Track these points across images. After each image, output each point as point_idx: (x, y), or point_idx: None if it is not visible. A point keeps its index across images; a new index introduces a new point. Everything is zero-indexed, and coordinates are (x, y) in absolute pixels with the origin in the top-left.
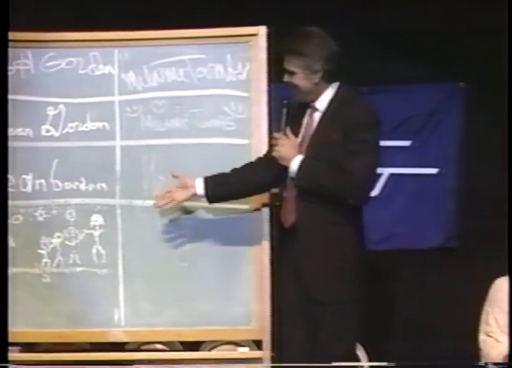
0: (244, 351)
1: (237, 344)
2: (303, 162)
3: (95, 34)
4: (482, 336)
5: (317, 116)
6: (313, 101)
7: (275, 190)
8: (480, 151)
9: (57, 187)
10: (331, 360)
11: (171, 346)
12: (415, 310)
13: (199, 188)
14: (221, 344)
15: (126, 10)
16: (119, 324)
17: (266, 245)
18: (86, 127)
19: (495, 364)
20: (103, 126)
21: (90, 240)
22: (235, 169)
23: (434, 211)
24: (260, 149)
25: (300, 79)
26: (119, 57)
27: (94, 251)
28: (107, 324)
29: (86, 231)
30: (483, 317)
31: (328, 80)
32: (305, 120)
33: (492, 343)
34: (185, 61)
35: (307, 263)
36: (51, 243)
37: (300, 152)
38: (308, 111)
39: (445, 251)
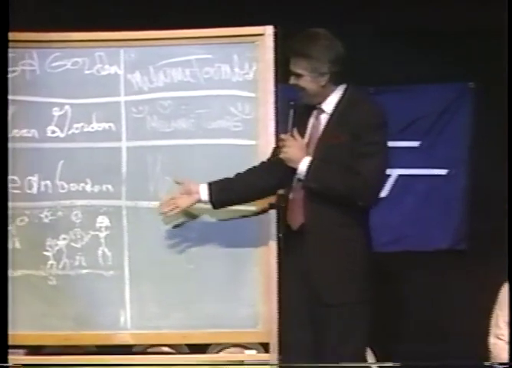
0: (251, 354)
1: (244, 347)
2: (311, 164)
3: (100, 34)
4: (492, 339)
5: (324, 117)
6: (320, 103)
7: (281, 191)
8: (490, 152)
9: (63, 188)
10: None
11: (177, 348)
12: (424, 313)
13: (203, 193)
14: (228, 347)
15: (127, 10)
16: (126, 327)
17: (273, 247)
18: (92, 128)
19: (501, 364)
20: (109, 126)
21: (95, 242)
22: (239, 173)
23: (443, 212)
24: (268, 149)
25: (307, 81)
26: (125, 57)
27: (100, 252)
28: (113, 327)
29: (92, 233)
30: (493, 320)
31: (335, 82)
32: (311, 122)
33: (502, 346)
34: (192, 61)
35: (316, 265)
36: (57, 245)
37: (307, 153)
38: (314, 113)
39: (454, 253)
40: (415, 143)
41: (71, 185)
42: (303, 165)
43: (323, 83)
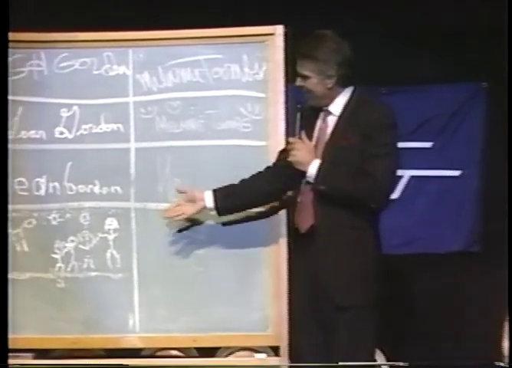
0: (260, 357)
1: (254, 350)
2: (321, 166)
3: (109, 34)
4: (506, 343)
5: (331, 120)
6: (327, 105)
7: (289, 193)
8: (504, 152)
9: (71, 190)
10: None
11: (186, 352)
12: (437, 316)
13: (208, 200)
14: (238, 350)
15: (136, 9)
16: (134, 330)
17: (283, 249)
18: (101, 129)
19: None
20: (118, 127)
21: (104, 244)
22: (244, 179)
23: (456, 214)
24: (278, 150)
25: (314, 83)
26: (134, 57)
27: (109, 255)
28: (122, 330)
29: (101, 235)
30: (506, 324)
31: (342, 84)
32: (318, 124)
33: None
34: (201, 61)
35: (326, 267)
36: (65, 247)
37: (315, 156)
38: (321, 115)
39: (468, 255)
40: (427, 144)
41: (79, 186)
42: (312, 168)
43: (330, 85)
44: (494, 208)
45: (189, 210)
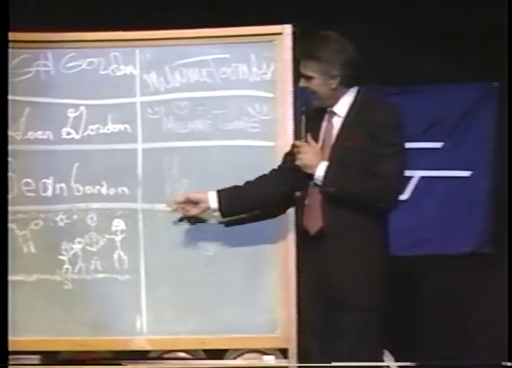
0: (269, 360)
1: (263, 353)
2: (328, 168)
3: (116, 34)
4: None
5: (337, 121)
6: (331, 106)
7: (297, 193)
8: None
9: (78, 191)
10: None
11: (194, 354)
12: (447, 318)
13: (212, 201)
14: (246, 352)
15: (131, 9)
16: (142, 332)
17: (291, 250)
18: (108, 130)
19: None
20: (125, 128)
21: (111, 245)
22: (249, 181)
23: (466, 215)
24: (286, 151)
25: (318, 84)
26: (141, 57)
27: (116, 256)
28: (129, 332)
29: (108, 237)
30: None
31: (346, 84)
32: (324, 126)
33: None
34: (208, 61)
35: (337, 269)
36: (72, 249)
37: (322, 158)
38: (326, 116)
39: (479, 256)
40: (437, 144)
41: (87, 187)
42: (320, 171)
43: (334, 85)
44: (505, 208)
45: (193, 211)
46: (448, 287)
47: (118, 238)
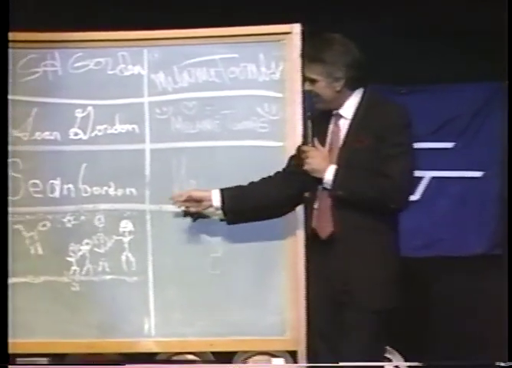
0: (278, 362)
1: (272, 355)
2: (337, 172)
3: (124, 34)
4: None
5: (344, 123)
6: (337, 109)
7: (306, 194)
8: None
9: (86, 192)
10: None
11: (203, 356)
12: (459, 319)
13: (215, 200)
14: (255, 355)
15: (131, 9)
16: (150, 334)
17: (300, 252)
18: (115, 130)
19: None
20: (133, 128)
21: (119, 247)
22: (253, 182)
23: (478, 216)
24: (292, 154)
25: (322, 87)
26: (149, 57)
27: (124, 258)
28: (137, 334)
29: (116, 238)
30: None
31: (351, 86)
32: (330, 128)
33: None
34: (217, 61)
35: (349, 272)
36: (80, 250)
37: (330, 162)
38: (333, 119)
39: (490, 258)
40: (449, 144)
41: (94, 188)
42: (329, 175)
43: (339, 88)
44: (505, 209)
45: (195, 209)
46: (459, 289)
47: (126, 240)
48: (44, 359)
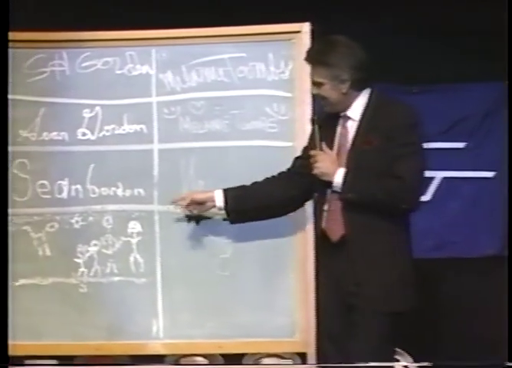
0: (287, 364)
1: (281, 357)
2: (346, 175)
3: (131, 33)
4: None
5: (352, 125)
6: (344, 111)
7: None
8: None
9: (94, 193)
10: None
11: (211, 358)
12: (471, 321)
13: (219, 200)
14: (264, 357)
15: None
16: (158, 336)
17: (310, 253)
18: (123, 130)
19: None
20: (141, 128)
21: (127, 248)
22: (256, 182)
23: (490, 217)
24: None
25: (328, 90)
26: (157, 56)
27: (132, 259)
28: (145, 336)
29: (124, 239)
30: None
31: (358, 88)
32: (338, 131)
33: None
34: (225, 60)
35: (361, 274)
36: (88, 251)
37: (339, 164)
38: (340, 121)
39: (502, 259)
40: (460, 144)
41: (102, 189)
42: (338, 178)
43: (345, 90)
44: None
45: (198, 211)
46: (470, 290)
47: (134, 241)
48: (54, 361)
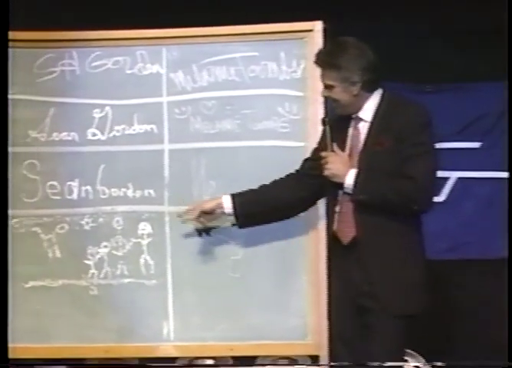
0: (300, 367)
1: (293, 360)
2: (358, 176)
3: (142, 32)
4: None
5: (363, 126)
6: (356, 112)
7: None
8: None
9: (104, 194)
10: None
11: (223, 361)
12: (485, 324)
13: (227, 206)
14: (276, 359)
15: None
16: (169, 339)
17: (322, 255)
18: (134, 130)
19: None
20: (151, 128)
21: (137, 249)
22: (265, 185)
23: (505, 218)
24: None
25: (339, 92)
26: (168, 55)
27: (142, 261)
28: (156, 338)
29: (134, 240)
30: None
31: (369, 89)
32: (350, 132)
33: None
34: (237, 59)
35: (373, 277)
36: (98, 253)
37: (350, 166)
38: (352, 123)
39: None
40: (475, 144)
41: (112, 190)
42: (349, 179)
43: (356, 92)
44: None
45: (207, 219)
46: (485, 292)
47: (144, 242)
48: (62, 365)
